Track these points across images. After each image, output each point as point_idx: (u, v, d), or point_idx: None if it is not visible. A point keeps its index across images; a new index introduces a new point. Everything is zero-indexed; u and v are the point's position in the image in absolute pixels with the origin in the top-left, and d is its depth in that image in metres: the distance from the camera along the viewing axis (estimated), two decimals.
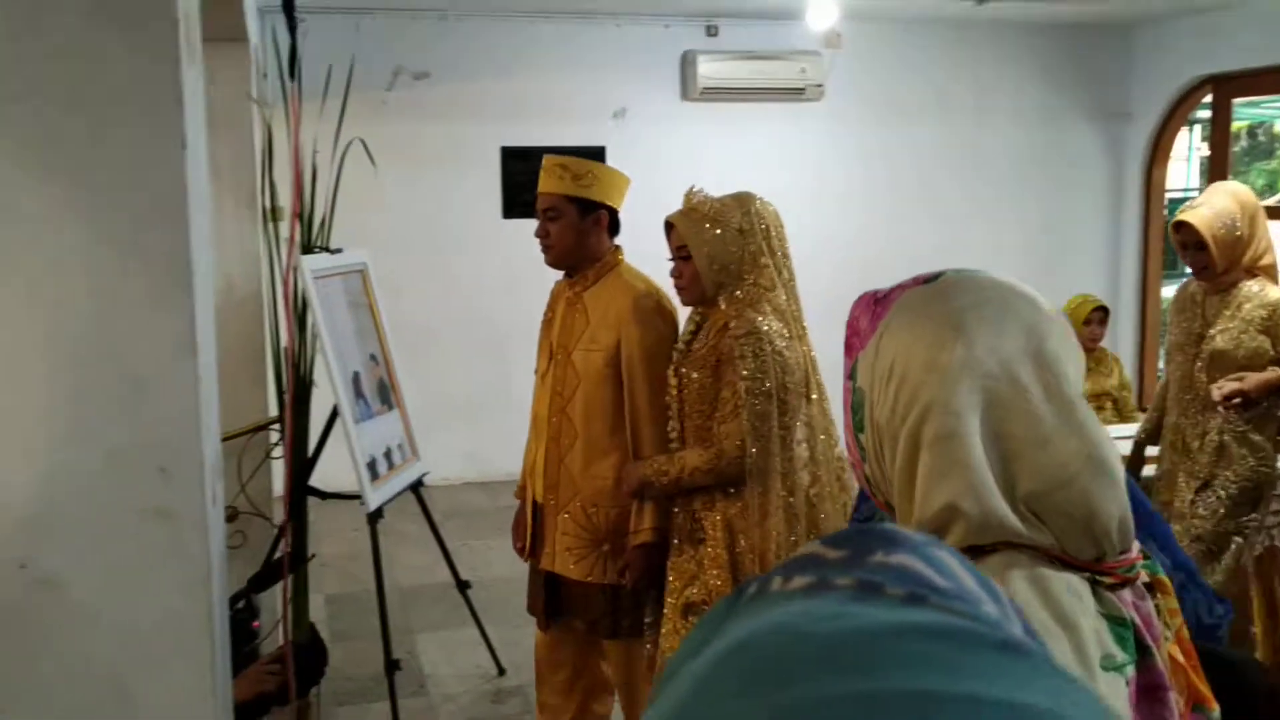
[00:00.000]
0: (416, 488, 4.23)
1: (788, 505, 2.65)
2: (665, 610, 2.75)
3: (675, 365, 2.77)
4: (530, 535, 3.09)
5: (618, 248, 3.06)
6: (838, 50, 6.90)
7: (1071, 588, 0.96)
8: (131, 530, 1.42)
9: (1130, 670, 0.96)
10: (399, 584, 5.20)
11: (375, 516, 3.76)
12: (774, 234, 2.74)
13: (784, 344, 2.64)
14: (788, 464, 2.66)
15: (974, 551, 0.98)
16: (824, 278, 7.13)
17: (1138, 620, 0.99)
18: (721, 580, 2.65)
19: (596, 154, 6.99)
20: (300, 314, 4.18)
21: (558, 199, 2.96)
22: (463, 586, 4.35)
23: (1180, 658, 1.03)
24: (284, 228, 4.12)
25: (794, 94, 7.05)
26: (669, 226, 2.77)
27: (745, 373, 2.60)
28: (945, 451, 0.98)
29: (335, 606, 5.06)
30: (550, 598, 3.05)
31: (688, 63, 6.99)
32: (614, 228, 3.03)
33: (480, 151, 6.73)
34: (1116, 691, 0.94)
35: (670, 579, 2.76)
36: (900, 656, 0.36)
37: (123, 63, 1.38)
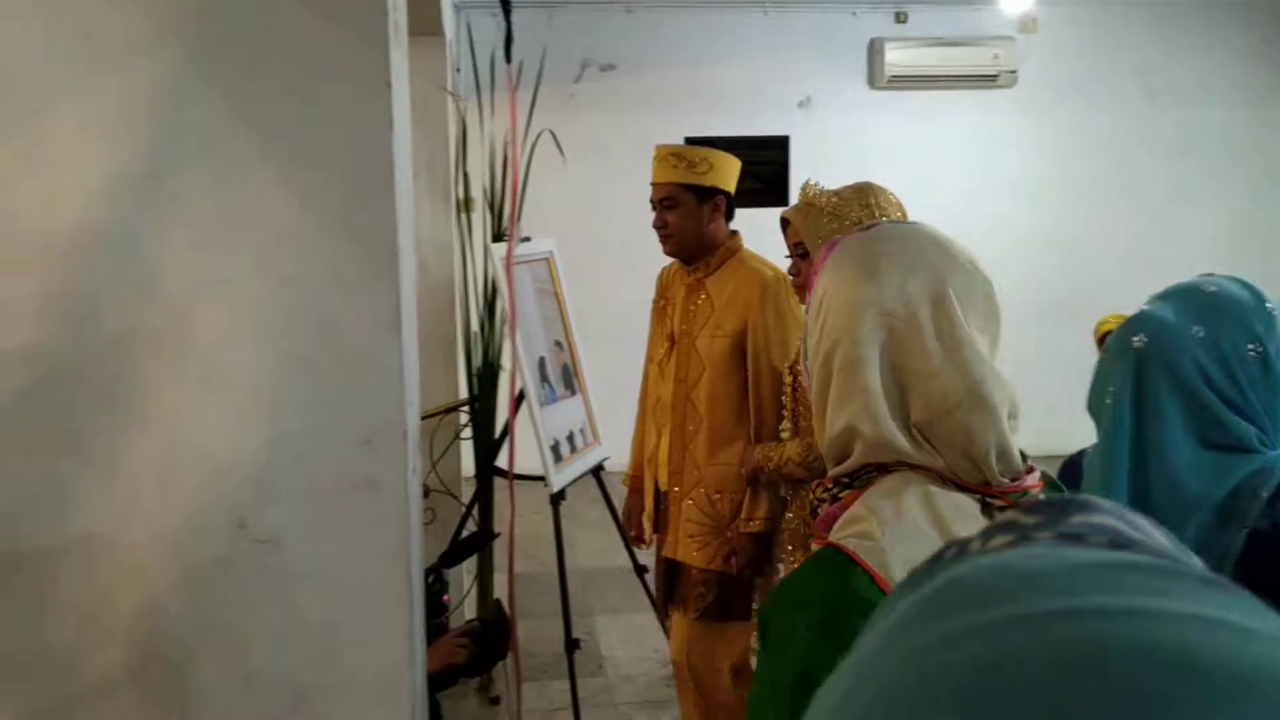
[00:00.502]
0: (597, 472, 4.29)
1: None
2: None
3: (792, 364, 2.70)
4: (651, 523, 3.08)
5: (736, 233, 3.02)
6: (1033, 34, 6.64)
7: (958, 505, 1.07)
8: (340, 498, 1.49)
9: None
10: (579, 566, 5.30)
11: (558, 498, 3.83)
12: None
13: None
14: None
15: (876, 469, 1.11)
16: (1020, 271, 6.91)
17: None
18: None
19: (780, 144, 6.94)
20: (489, 300, 4.31)
21: (674, 188, 2.94)
22: (640, 571, 4.40)
23: None
24: (475, 217, 4.26)
25: (986, 81, 6.83)
26: (785, 223, 2.71)
27: None
28: (849, 378, 1.11)
29: (516, 586, 5.19)
30: (669, 584, 3.04)
31: (875, 50, 6.86)
32: (730, 212, 3.01)
33: (663, 142, 6.77)
34: None
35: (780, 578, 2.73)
36: (1109, 581, 0.35)
37: (337, 49, 1.45)
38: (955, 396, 1.09)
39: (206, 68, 1.42)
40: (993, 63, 6.75)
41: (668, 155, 2.98)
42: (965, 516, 1.07)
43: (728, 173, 3.00)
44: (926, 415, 1.10)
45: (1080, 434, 1.62)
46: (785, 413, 2.72)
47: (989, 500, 1.09)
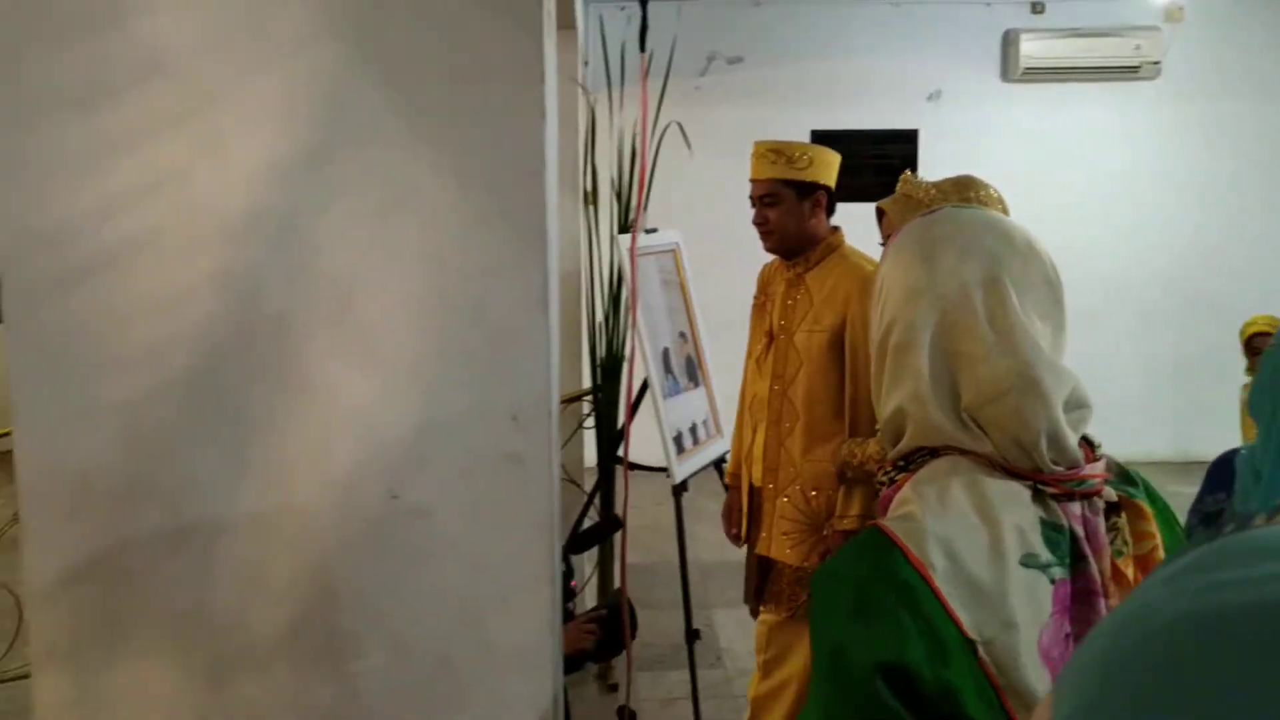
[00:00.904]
0: (719, 464, 4.31)
1: None
2: None
3: None
4: (746, 520, 3.04)
5: (837, 228, 2.99)
6: (1178, 23, 6.40)
7: (1006, 490, 1.07)
8: (488, 471, 1.54)
9: (1058, 572, 1.07)
10: (699, 558, 5.33)
11: (680, 489, 3.86)
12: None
13: None
14: None
15: (927, 453, 1.12)
16: (1158, 270, 6.69)
17: (1079, 531, 1.09)
18: None
19: (909, 137, 6.84)
20: (614, 291, 4.36)
21: (774, 184, 2.91)
22: None
23: (1130, 575, 1.13)
24: (602, 209, 4.31)
25: (1127, 72, 6.62)
26: (880, 213, 2.66)
27: None
28: (901, 361, 1.12)
29: (635, 576, 5.24)
30: (760, 582, 3.00)
31: (1009, 42, 6.71)
32: (831, 207, 2.98)
33: (789, 135, 6.73)
34: (1033, 586, 1.04)
35: None
36: None
37: (495, 41, 1.50)
38: (1006, 381, 1.09)
39: (370, 59, 1.49)
40: (1135, 54, 6.54)
41: (767, 151, 2.96)
42: (1014, 503, 1.07)
43: (828, 168, 2.97)
44: (976, 399, 1.10)
45: (1222, 435, 1.58)
46: None
47: (1040, 487, 1.09)
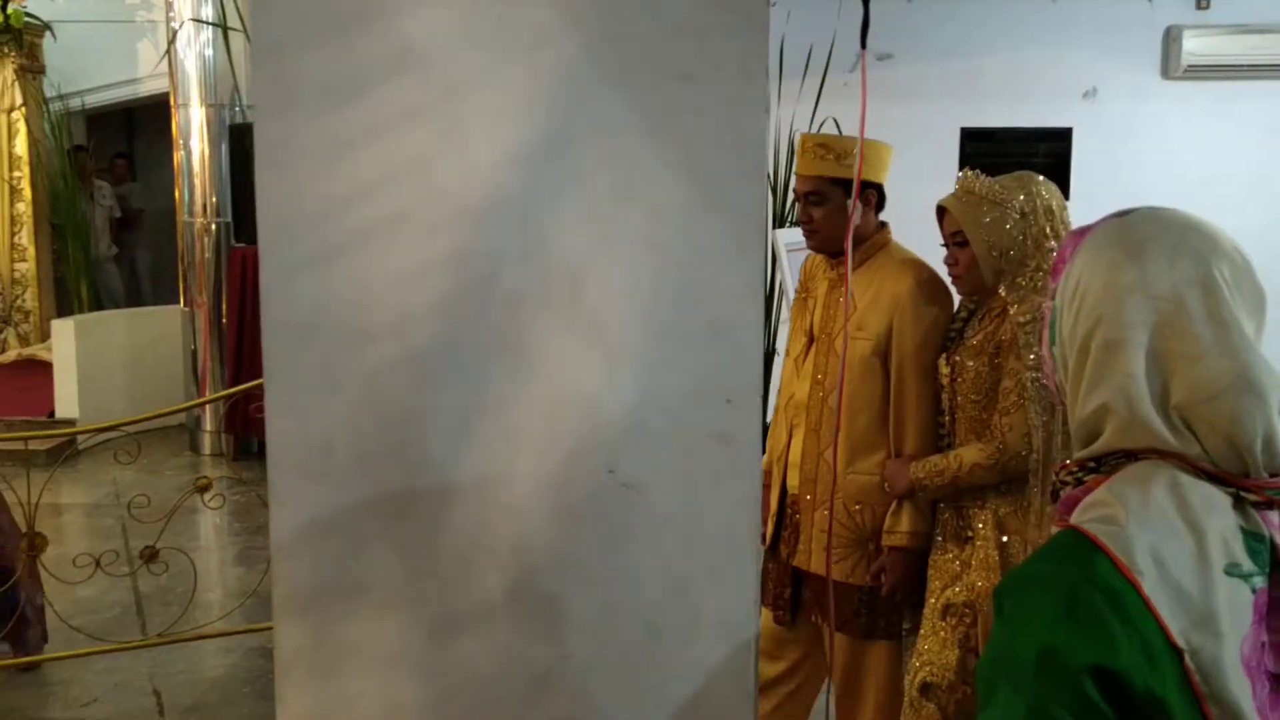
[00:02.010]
0: None
1: None
2: (925, 611, 2.53)
3: (948, 354, 2.55)
4: (774, 524, 2.84)
5: (885, 225, 2.79)
6: None
7: (1209, 497, 1.06)
8: (701, 450, 1.62)
9: (1259, 581, 1.06)
10: None
11: None
12: (1058, 215, 2.45)
13: None
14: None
15: (1124, 456, 1.11)
16: None
17: (1277, 540, 1.08)
18: (987, 582, 2.40)
19: (1062, 136, 6.71)
20: (769, 286, 4.41)
21: (821, 181, 2.71)
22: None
23: None
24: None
25: None
26: (941, 211, 2.54)
27: (1030, 360, 2.36)
28: (1108, 358, 1.12)
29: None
30: (794, 593, 2.79)
31: (1171, 38, 6.52)
32: (880, 204, 2.78)
33: (939, 133, 6.68)
34: (1236, 595, 1.04)
35: (931, 578, 2.54)
36: None
37: (721, 37, 1.57)
38: (1223, 380, 1.08)
39: (604, 56, 1.57)
40: None
41: (814, 146, 2.75)
42: (1215, 509, 1.06)
43: (880, 163, 2.77)
44: (1189, 399, 1.09)
45: None
46: (943, 407, 2.57)
47: (1243, 494, 1.08)
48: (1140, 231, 1.16)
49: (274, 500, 1.67)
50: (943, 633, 2.47)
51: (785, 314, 4.47)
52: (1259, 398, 1.09)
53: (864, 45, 1.77)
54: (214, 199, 7.36)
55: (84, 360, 7.55)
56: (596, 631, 1.67)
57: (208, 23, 4.99)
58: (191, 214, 7.41)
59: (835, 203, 2.70)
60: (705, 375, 1.61)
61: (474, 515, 1.65)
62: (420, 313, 1.62)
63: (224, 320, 7.40)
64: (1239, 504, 1.08)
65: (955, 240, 2.51)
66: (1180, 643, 1.00)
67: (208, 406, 7.32)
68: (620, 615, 1.66)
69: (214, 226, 7.39)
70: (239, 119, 7.21)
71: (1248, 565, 1.06)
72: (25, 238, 8.39)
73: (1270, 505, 1.10)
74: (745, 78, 1.57)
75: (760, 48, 1.56)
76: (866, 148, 2.64)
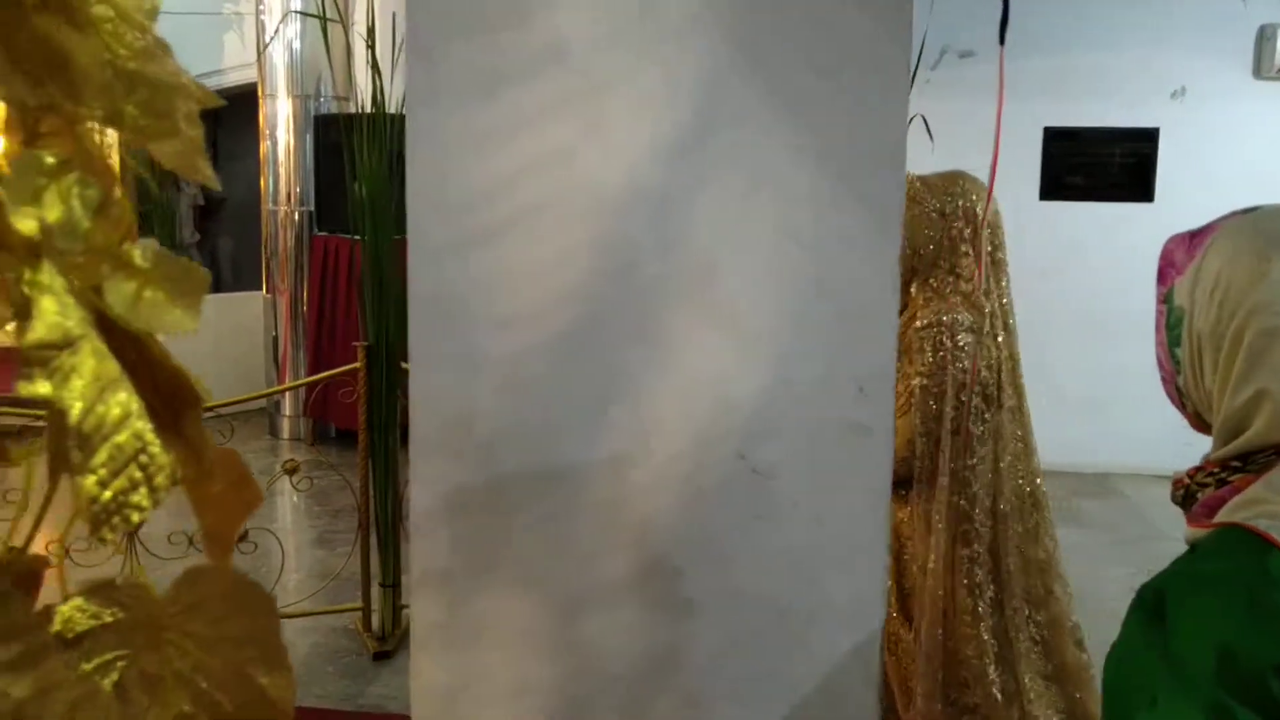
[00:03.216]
0: None
1: (963, 518, 2.35)
2: None
3: None
4: None
5: None
6: None
7: None
8: (833, 438, 1.65)
9: None
10: None
11: None
12: (981, 219, 2.43)
13: (969, 339, 2.36)
14: (965, 473, 2.35)
15: (1272, 452, 1.09)
16: None
17: None
18: None
19: (1148, 136, 6.62)
20: None
21: None
22: None
23: None
24: None
25: None
26: None
27: (921, 368, 2.36)
28: (1263, 346, 1.11)
29: None
30: None
31: (1265, 37, 6.40)
32: None
33: (1021, 132, 6.62)
34: None
35: None
36: None
37: (861, 30, 1.59)
38: None
39: (745, 50, 1.61)
40: None
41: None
42: None
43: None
44: None
45: None
46: None
47: None
48: (1275, 224, 1.17)
49: (414, 477, 1.72)
50: None
51: None
52: None
53: (1002, 41, 1.78)
54: (297, 188, 7.52)
55: (168, 344, 7.74)
56: (723, 614, 1.70)
57: (312, 15, 5.10)
58: (275, 203, 7.57)
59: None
60: (838, 363, 1.64)
61: (607, 497, 1.70)
62: (560, 299, 1.66)
63: (305, 307, 7.55)
64: None
65: None
66: None
67: (288, 392, 7.48)
68: (747, 599, 1.70)
69: (297, 215, 7.55)
70: (324, 110, 7.35)
71: None
72: None
73: None
74: (884, 69, 1.59)
75: (901, 38, 1.59)
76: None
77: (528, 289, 1.66)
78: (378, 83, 4.44)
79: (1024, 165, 6.68)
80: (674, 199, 1.64)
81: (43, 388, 0.45)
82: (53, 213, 0.49)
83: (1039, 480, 2.46)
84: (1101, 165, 6.49)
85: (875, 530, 1.67)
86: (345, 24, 5.47)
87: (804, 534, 1.67)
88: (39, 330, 0.45)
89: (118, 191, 0.55)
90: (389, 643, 4.56)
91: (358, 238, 4.50)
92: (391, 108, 4.30)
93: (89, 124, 0.53)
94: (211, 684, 0.64)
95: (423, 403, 1.71)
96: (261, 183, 7.64)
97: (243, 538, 4.18)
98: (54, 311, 0.45)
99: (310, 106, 7.39)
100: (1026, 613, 2.38)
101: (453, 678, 1.76)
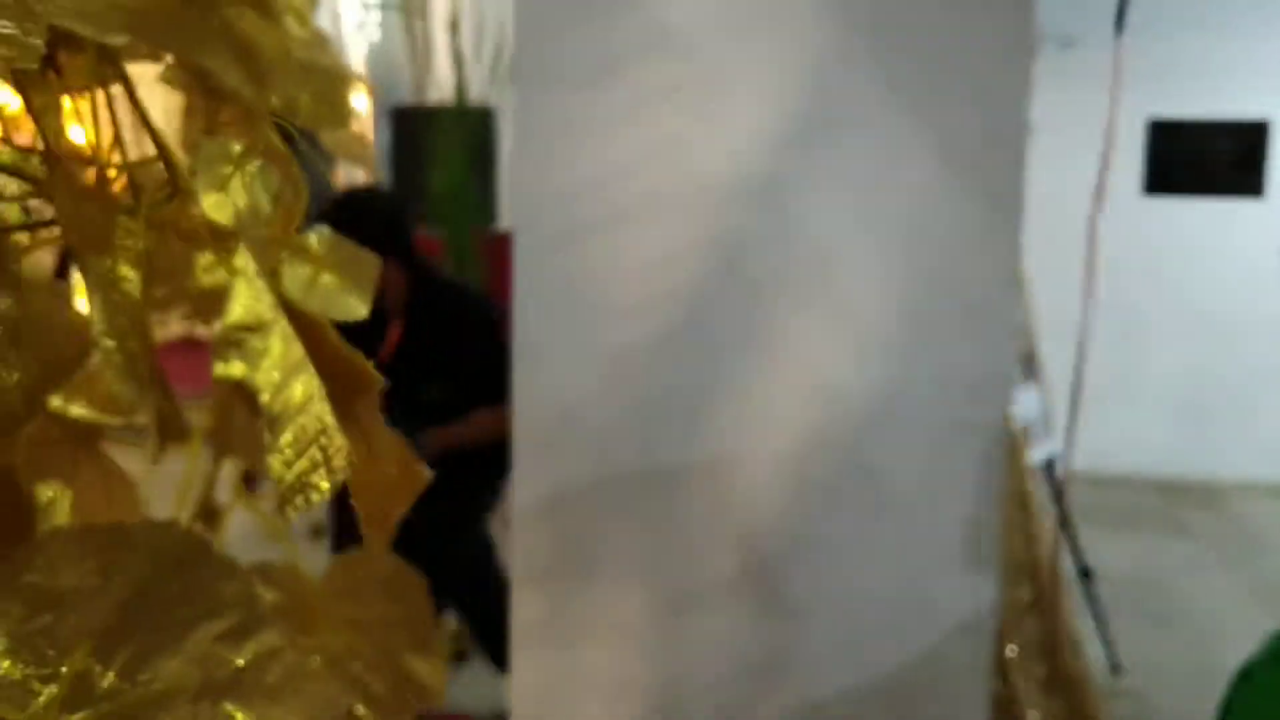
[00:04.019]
0: (1047, 467, 4.22)
1: None
2: None
3: None
4: None
5: None
6: None
7: None
8: (946, 438, 1.62)
9: None
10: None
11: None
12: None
13: None
14: None
15: None
16: None
17: None
18: None
19: (1258, 129, 6.40)
20: None
21: None
22: (1085, 574, 4.29)
23: None
24: None
25: None
26: None
27: None
28: None
29: None
30: None
31: None
32: None
33: (1123, 125, 6.44)
34: None
35: None
36: None
37: (982, 18, 1.56)
38: None
39: (864, 38, 1.58)
40: None
41: None
42: None
43: None
44: None
45: None
46: None
47: None
48: None
49: (516, 473, 1.73)
50: None
51: None
52: None
53: (1120, 28, 1.73)
54: (374, 180, 7.62)
55: None
56: (831, 615, 1.68)
57: (392, 6, 5.17)
58: None
59: None
60: (954, 363, 1.61)
61: (712, 494, 1.69)
62: (669, 292, 1.66)
63: None
64: None
65: None
66: None
67: None
68: (855, 600, 1.67)
69: None
70: (401, 102, 7.44)
71: None
72: None
73: None
74: (1007, 60, 1.56)
75: (1025, 29, 1.55)
76: None
77: (636, 282, 1.66)
78: (460, 74, 4.47)
79: (1126, 160, 6.49)
80: (787, 191, 1.62)
81: (236, 369, 0.45)
82: (239, 200, 0.50)
83: (1026, 481, 2.44)
84: (1208, 159, 6.29)
85: (988, 531, 1.64)
86: (424, 16, 5.52)
87: (915, 534, 1.65)
88: (235, 313, 0.45)
89: (289, 179, 0.56)
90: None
91: (436, 230, 4.53)
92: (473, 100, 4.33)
93: (267, 113, 0.54)
94: (363, 667, 0.65)
95: (527, 397, 1.71)
96: (338, 173, 7.76)
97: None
98: (248, 296, 0.46)
99: (387, 98, 7.48)
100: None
101: (553, 675, 1.76)
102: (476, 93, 4.93)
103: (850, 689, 1.68)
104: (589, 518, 1.72)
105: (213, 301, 0.55)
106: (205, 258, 0.52)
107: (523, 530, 1.74)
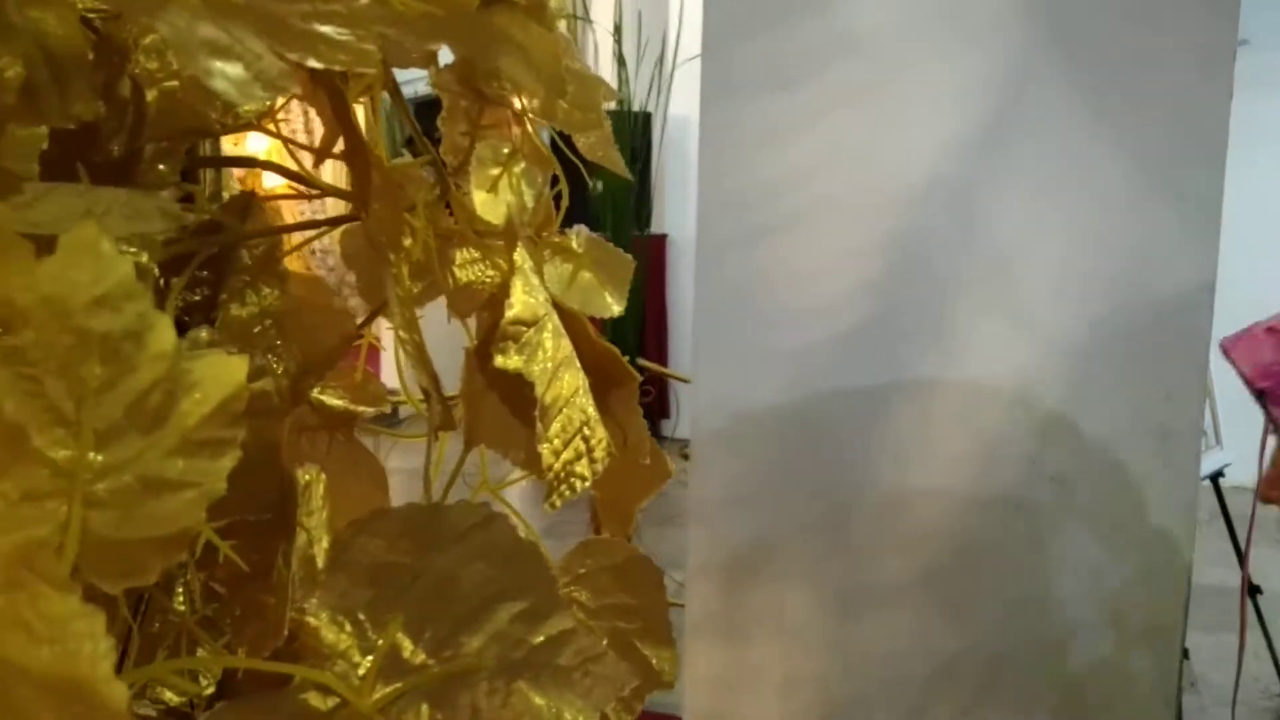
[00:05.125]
0: (1215, 478, 4.03)
1: None
2: None
3: None
4: None
5: None
6: None
7: None
8: (1133, 446, 1.56)
9: None
10: None
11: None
12: None
13: None
14: None
15: None
16: None
17: None
18: None
19: None
20: None
21: None
22: (1253, 591, 4.08)
23: None
24: None
25: None
26: None
27: None
28: None
29: None
30: None
31: None
32: None
33: None
34: None
35: None
36: None
37: (1185, 19, 1.50)
38: None
39: (1053, 41, 1.55)
40: None
41: None
42: None
43: None
44: None
45: None
46: None
47: None
48: None
49: (694, 466, 1.75)
50: None
51: None
52: None
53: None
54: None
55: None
56: (1008, 624, 1.65)
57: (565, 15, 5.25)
58: None
59: None
60: (1143, 368, 1.55)
61: (888, 496, 1.67)
62: (849, 294, 1.65)
63: None
64: None
65: None
66: None
67: None
68: (1034, 610, 1.63)
69: None
70: None
71: None
72: None
73: None
74: (1208, 60, 1.50)
75: (1227, 24, 1.49)
76: None
77: (816, 284, 1.66)
78: (623, 78, 4.52)
79: None
80: (973, 194, 1.59)
81: (514, 361, 0.48)
82: (508, 199, 0.52)
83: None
84: None
85: (1177, 545, 1.57)
86: (586, 21, 5.61)
87: (1099, 546, 1.60)
88: (515, 308, 0.48)
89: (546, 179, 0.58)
90: None
91: (597, 232, 4.62)
92: (636, 105, 4.38)
93: (528, 116, 0.56)
94: None
95: (706, 395, 1.73)
96: None
97: None
98: (524, 292, 0.48)
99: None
100: None
101: (726, 669, 1.77)
102: (637, 98, 4.98)
103: (1028, 698, 1.64)
104: (764, 514, 1.73)
105: (468, 296, 0.57)
106: (462, 254, 0.54)
107: (700, 523, 1.76)
